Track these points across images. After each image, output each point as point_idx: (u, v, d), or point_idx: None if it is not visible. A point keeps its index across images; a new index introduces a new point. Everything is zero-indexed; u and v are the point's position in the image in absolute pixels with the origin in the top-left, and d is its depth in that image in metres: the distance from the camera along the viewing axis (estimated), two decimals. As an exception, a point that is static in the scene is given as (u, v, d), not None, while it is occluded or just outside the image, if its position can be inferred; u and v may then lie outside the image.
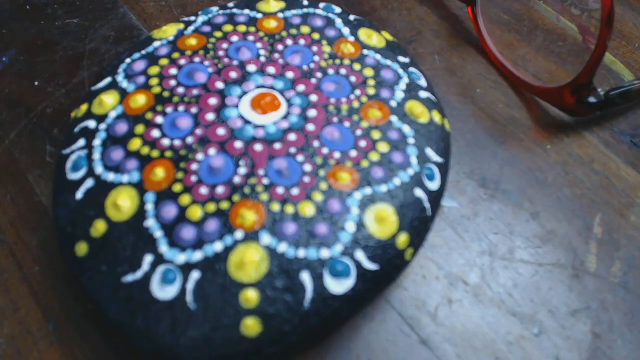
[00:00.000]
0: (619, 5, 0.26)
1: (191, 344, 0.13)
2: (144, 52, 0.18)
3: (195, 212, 0.15)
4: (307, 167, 0.16)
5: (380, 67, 0.18)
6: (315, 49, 0.19)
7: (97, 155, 0.16)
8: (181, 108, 0.17)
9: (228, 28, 0.19)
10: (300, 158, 0.16)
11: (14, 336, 0.16)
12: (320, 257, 0.14)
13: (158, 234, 0.14)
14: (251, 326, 0.13)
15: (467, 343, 0.16)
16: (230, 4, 0.20)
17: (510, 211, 0.19)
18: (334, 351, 0.16)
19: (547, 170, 0.20)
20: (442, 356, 0.16)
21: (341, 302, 0.14)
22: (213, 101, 0.17)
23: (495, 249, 0.18)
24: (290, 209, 0.15)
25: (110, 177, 0.15)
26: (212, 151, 0.16)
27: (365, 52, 0.19)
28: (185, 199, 0.15)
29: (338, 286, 0.14)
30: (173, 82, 0.17)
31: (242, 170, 0.15)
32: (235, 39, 0.19)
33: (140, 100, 0.17)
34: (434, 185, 0.16)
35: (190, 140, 0.16)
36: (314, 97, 0.17)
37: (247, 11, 0.20)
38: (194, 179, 0.15)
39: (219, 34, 0.19)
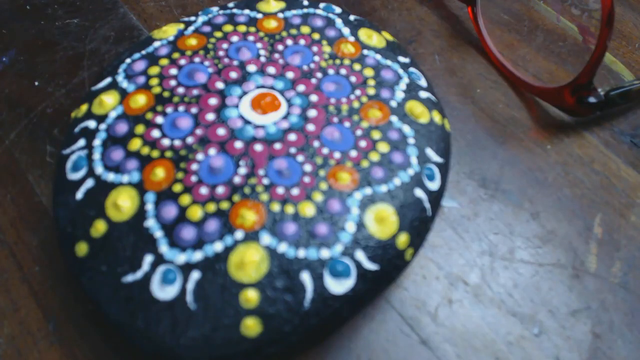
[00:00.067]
0: (619, 5, 0.26)
1: (191, 344, 0.13)
2: (144, 52, 0.18)
3: (195, 212, 0.15)
4: (307, 167, 0.16)
5: (380, 67, 0.18)
6: (315, 49, 0.19)
7: (97, 155, 0.16)
8: (181, 108, 0.17)
9: (228, 28, 0.19)
10: (300, 158, 0.16)
11: (14, 336, 0.16)
12: (320, 257, 0.14)
13: (158, 234, 0.14)
14: (251, 326, 0.13)
15: (467, 343, 0.16)
16: (230, 4, 0.20)
17: (510, 211, 0.19)
18: (334, 351, 0.16)
19: (547, 170, 0.20)
20: (442, 356, 0.16)
21: (341, 302, 0.14)
22: (213, 101, 0.17)
23: (495, 249, 0.18)
24: (290, 209, 0.15)
25: (110, 177, 0.15)
26: (212, 151, 0.16)
27: (365, 52, 0.19)
28: (185, 199, 0.15)
29: (338, 286, 0.14)
30: (173, 82, 0.17)
31: (242, 170, 0.15)
32: (235, 39, 0.19)
33: (140, 100, 0.17)
34: (434, 185, 0.16)
35: (190, 140, 0.16)
36: (314, 97, 0.17)
37: (247, 11, 0.20)
38: (194, 179, 0.15)
39: (219, 34, 0.19)
